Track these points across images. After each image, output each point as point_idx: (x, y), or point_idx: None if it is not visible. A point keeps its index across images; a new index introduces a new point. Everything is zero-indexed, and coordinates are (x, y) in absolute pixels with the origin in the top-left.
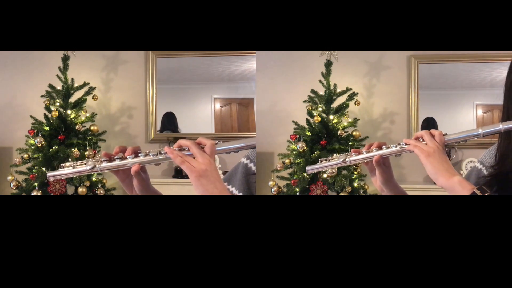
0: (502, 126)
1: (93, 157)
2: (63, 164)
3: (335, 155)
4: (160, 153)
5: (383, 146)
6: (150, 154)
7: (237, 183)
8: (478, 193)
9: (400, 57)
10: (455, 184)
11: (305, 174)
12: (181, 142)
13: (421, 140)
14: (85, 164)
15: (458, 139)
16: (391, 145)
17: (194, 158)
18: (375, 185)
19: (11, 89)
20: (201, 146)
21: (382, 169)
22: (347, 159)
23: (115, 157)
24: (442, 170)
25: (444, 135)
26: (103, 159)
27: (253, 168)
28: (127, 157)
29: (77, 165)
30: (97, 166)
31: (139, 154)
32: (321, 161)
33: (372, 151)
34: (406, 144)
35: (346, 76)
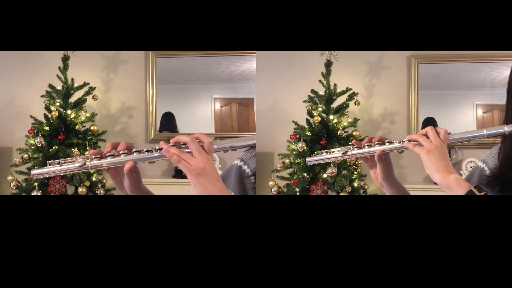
0: (507, 129)
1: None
2: (50, 162)
3: (335, 149)
4: (155, 150)
5: (386, 141)
6: (144, 151)
7: (232, 186)
8: (475, 191)
9: (400, 57)
10: (451, 182)
11: (305, 174)
12: (180, 138)
13: (426, 136)
14: (73, 161)
15: (462, 139)
16: (394, 141)
17: (191, 155)
18: (374, 181)
19: (11, 89)
20: (199, 142)
21: (383, 164)
22: (348, 152)
23: (107, 154)
24: (440, 166)
25: (448, 133)
26: (93, 157)
27: (247, 170)
28: (120, 154)
29: (65, 163)
30: (87, 163)
31: (133, 151)
32: (322, 153)
33: (374, 145)
34: (409, 140)
35: (346, 76)
